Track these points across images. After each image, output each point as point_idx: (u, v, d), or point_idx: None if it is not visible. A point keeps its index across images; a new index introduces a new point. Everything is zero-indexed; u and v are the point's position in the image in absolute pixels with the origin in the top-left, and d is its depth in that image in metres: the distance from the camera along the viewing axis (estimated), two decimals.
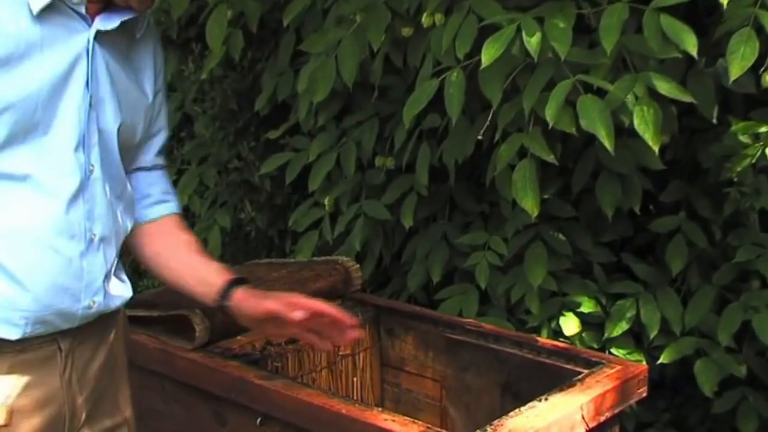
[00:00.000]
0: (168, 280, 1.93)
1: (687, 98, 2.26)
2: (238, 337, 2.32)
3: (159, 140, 1.92)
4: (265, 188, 3.72)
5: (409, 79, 3.02)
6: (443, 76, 2.47)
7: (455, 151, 2.76)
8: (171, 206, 1.95)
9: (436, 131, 2.89)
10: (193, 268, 1.90)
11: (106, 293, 1.73)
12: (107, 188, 1.71)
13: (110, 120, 1.71)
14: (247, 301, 1.87)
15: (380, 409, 1.95)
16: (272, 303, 1.85)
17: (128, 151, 1.81)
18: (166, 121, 1.92)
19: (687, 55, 2.22)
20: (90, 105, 1.66)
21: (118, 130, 1.73)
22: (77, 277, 1.67)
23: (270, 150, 3.59)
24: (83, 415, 1.76)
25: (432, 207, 3.09)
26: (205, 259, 1.93)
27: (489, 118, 2.44)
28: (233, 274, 1.91)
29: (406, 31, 2.78)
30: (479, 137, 2.55)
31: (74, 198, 1.65)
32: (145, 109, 1.82)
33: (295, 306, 1.84)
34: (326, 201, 3.21)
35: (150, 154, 1.91)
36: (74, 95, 1.64)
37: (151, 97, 1.83)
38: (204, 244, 3.79)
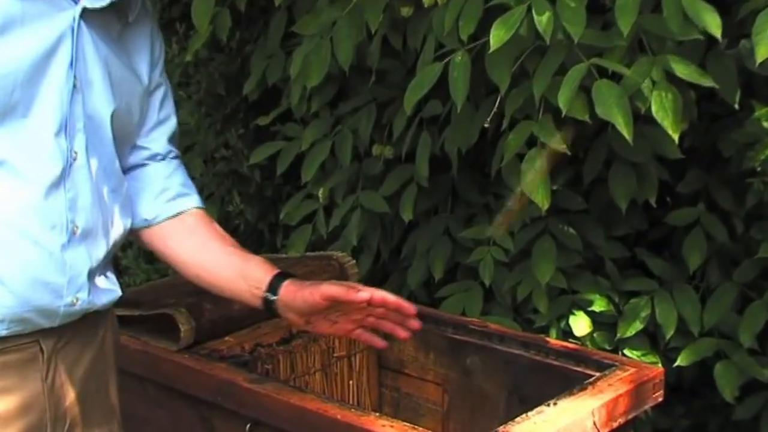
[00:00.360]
0: (204, 281, 1.90)
1: (707, 82, 2.25)
2: (226, 338, 2.32)
3: (170, 126, 1.91)
4: (254, 179, 3.72)
5: (409, 63, 3.01)
6: (447, 59, 2.46)
7: (459, 140, 2.75)
8: (194, 199, 1.93)
9: (438, 118, 2.88)
10: (231, 264, 1.87)
11: (90, 290, 1.71)
12: (94, 179, 1.69)
13: (101, 105, 1.70)
14: (297, 293, 1.82)
15: (378, 414, 1.95)
16: (330, 287, 1.82)
17: (126, 139, 1.80)
18: (174, 108, 1.92)
19: (707, 36, 2.21)
20: (74, 87, 1.65)
21: (112, 116, 1.72)
22: (59, 271, 1.65)
23: (260, 138, 3.58)
24: (68, 422, 1.74)
25: (433, 199, 3.09)
26: (243, 253, 1.90)
27: (496, 104, 2.44)
28: (278, 267, 1.88)
29: (406, 11, 2.77)
30: (485, 125, 2.54)
31: (54, 186, 1.63)
32: (140, 96, 1.81)
33: (355, 288, 1.82)
34: (320, 192, 3.20)
35: (162, 141, 1.90)
36: (57, 76, 1.63)
37: (147, 84, 1.82)
38: None
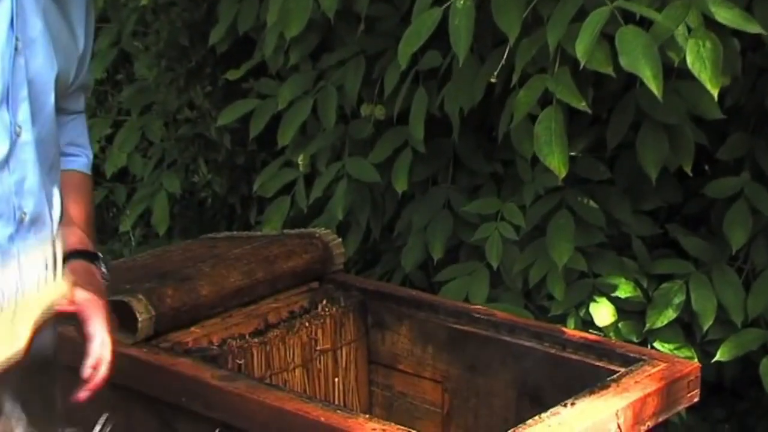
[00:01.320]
0: None
1: (753, 29, 2.25)
2: (192, 329, 2.33)
3: (90, 83, 1.92)
4: (223, 144, 3.72)
5: (403, 8, 3.02)
6: (447, 3, 2.46)
7: (461, 98, 2.76)
8: (76, 162, 1.92)
9: (437, 72, 2.89)
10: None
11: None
12: (38, 155, 1.69)
13: (44, 68, 1.69)
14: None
15: (368, 416, 1.96)
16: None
17: (59, 102, 1.80)
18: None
19: None
20: (16, 50, 1.63)
21: (56, 80, 1.71)
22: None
23: (229, 96, 3.59)
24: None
25: (431, 167, 3.10)
26: (71, 222, 1.91)
27: (504, 56, 2.44)
28: (82, 246, 1.87)
29: None
30: (492, 80, 2.54)
31: (0, 167, 1.63)
32: (78, 51, 1.80)
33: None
34: (300, 160, 3.21)
35: (80, 100, 1.91)
36: None
37: (83, 38, 1.82)
38: (148, 214, 3.82)
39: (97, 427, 1.72)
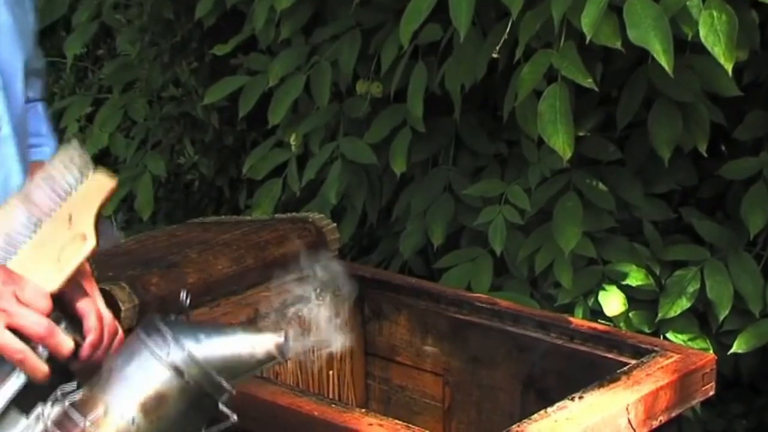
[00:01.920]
0: None
1: None
2: None
3: (43, 68, 1.92)
4: (211, 124, 3.72)
5: None
6: None
7: (462, 74, 2.76)
8: (40, 152, 1.88)
9: (437, 47, 2.89)
10: None
11: None
12: (18, 149, 1.68)
13: (12, 55, 1.69)
14: None
15: (364, 410, 1.97)
16: None
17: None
18: None
19: None
20: None
21: (24, 67, 1.71)
22: None
23: (217, 73, 3.58)
24: None
25: (431, 147, 3.10)
26: None
27: (507, 29, 2.44)
28: None
29: None
30: (494, 55, 2.55)
31: None
32: (34, 31, 1.81)
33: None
34: (292, 140, 3.21)
35: (37, 87, 1.90)
36: None
37: (32, 13, 1.81)
38: (131, 197, 3.82)
39: (182, 295, 1.69)
